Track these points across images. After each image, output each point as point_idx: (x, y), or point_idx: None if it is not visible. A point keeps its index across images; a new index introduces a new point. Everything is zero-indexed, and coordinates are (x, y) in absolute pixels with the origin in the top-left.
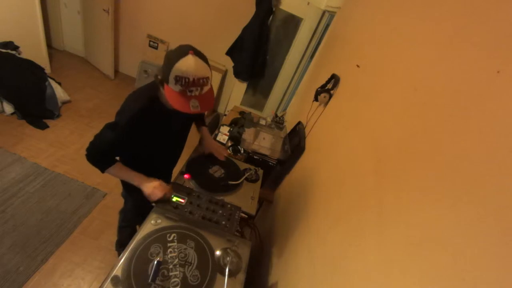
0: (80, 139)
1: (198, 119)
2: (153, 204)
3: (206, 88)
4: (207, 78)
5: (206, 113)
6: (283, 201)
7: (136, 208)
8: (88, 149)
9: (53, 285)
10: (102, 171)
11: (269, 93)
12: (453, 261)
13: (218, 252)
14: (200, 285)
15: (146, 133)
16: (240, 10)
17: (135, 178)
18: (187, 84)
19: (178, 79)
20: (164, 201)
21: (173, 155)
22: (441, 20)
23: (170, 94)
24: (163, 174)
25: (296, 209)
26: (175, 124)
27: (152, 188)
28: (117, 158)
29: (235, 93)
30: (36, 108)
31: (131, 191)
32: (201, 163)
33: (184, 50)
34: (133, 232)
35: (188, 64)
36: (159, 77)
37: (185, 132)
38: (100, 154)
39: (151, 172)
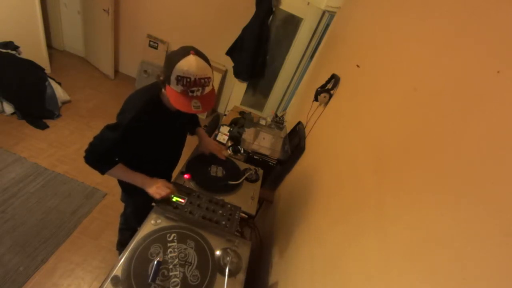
0: (80, 139)
1: (192, 120)
2: (153, 204)
3: (207, 89)
4: (209, 78)
5: (206, 114)
6: (283, 201)
7: (136, 212)
8: (87, 151)
9: (53, 285)
10: (102, 173)
11: (269, 93)
12: (453, 260)
13: (218, 252)
14: (200, 285)
15: (147, 134)
16: (240, 10)
17: (137, 179)
18: (189, 84)
19: (179, 79)
20: (168, 200)
21: (174, 157)
22: (441, 20)
23: (172, 95)
24: (163, 176)
25: (296, 209)
26: (175, 125)
27: (156, 187)
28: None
29: (235, 93)
30: (36, 108)
31: (131, 195)
32: (201, 163)
33: (185, 50)
34: (134, 233)
35: (189, 64)
36: (161, 78)
37: (184, 134)
38: (100, 156)
39: (151, 174)
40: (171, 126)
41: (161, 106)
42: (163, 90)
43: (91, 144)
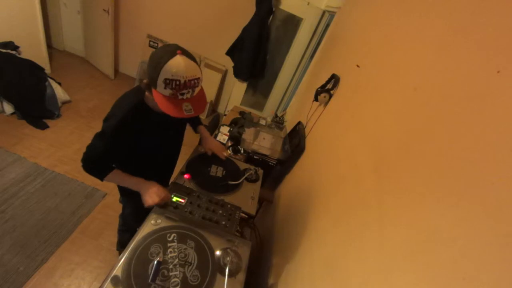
0: (80, 139)
1: (192, 119)
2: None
3: (197, 90)
4: (198, 79)
5: (206, 113)
6: (283, 201)
7: (135, 213)
8: (83, 160)
9: (53, 285)
10: (101, 179)
11: (269, 93)
12: (453, 260)
13: (218, 252)
14: (200, 285)
15: (136, 138)
16: (240, 10)
17: (133, 183)
18: (178, 87)
19: (168, 83)
20: (160, 206)
21: (171, 158)
22: (441, 20)
23: (160, 100)
24: (161, 177)
25: (296, 209)
26: (166, 127)
27: (149, 192)
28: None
29: (235, 93)
30: (36, 108)
31: (128, 197)
32: (201, 163)
33: (171, 50)
34: (134, 234)
35: (178, 65)
36: (145, 81)
37: (179, 135)
38: (95, 164)
39: (149, 176)
40: (164, 128)
41: (148, 110)
42: (147, 93)
43: (85, 154)
